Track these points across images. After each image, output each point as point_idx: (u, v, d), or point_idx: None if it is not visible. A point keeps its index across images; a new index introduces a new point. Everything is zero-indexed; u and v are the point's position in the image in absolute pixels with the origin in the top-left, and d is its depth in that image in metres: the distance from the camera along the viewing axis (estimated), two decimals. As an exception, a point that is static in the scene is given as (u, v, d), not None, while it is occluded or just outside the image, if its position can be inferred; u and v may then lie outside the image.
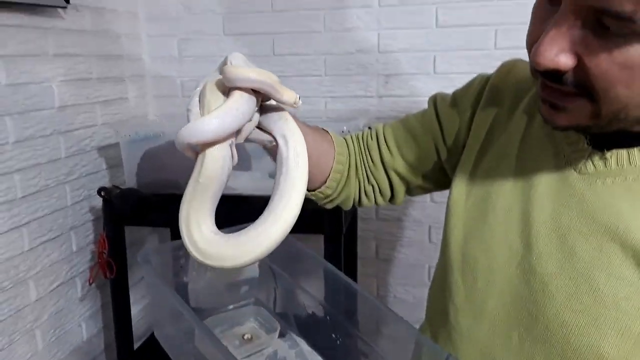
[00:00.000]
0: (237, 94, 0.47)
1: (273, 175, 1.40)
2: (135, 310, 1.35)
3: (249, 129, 0.51)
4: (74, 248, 1.29)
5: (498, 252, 0.58)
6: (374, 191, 0.73)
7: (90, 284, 1.32)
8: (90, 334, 1.38)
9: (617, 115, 0.46)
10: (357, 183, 0.73)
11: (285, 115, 0.54)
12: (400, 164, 0.71)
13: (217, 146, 0.47)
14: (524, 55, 0.54)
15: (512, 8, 1.36)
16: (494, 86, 0.66)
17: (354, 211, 1.46)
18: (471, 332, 0.61)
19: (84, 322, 1.35)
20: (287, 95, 0.50)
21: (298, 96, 0.50)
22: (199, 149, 0.48)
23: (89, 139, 1.33)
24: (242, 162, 1.34)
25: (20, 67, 1.11)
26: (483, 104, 0.66)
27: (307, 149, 0.53)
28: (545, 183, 0.56)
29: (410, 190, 0.74)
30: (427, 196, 1.53)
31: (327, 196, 0.70)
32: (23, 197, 1.13)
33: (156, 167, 1.21)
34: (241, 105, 0.47)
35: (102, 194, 1.18)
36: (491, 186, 0.61)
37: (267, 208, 0.49)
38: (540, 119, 0.55)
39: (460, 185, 0.65)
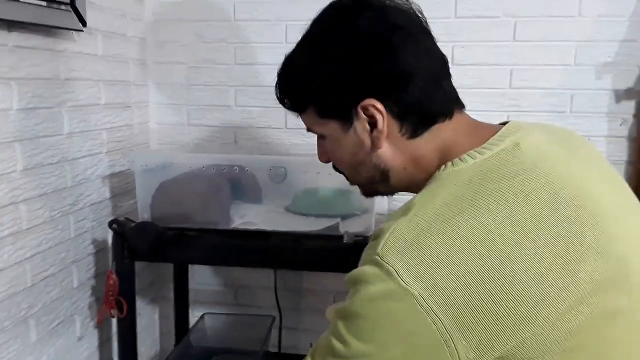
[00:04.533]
0: None
1: (289, 208, 1.36)
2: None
3: None
4: (75, 283, 1.21)
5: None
6: None
7: (98, 325, 1.22)
8: (87, 376, 1.28)
9: (357, 181, 0.77)
10: None
11: None
12: None
13: None
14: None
15: (527, 49, 1.39)
16: None
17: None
18: None
19: (80, 364, 1.25)
20: None
21: None
22: None
23: (94, 167, 1.26)
24: (254, 195, 1.29)
25: (32, 90, 1.04)
26: None
27: None
28: None
29: None
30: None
31: None
32: (28, 229, 1.04)
33: (172, 200, 1.14)
34: None
35: (114, 226, 1.10)
36: None
37: None
38: None
39: None
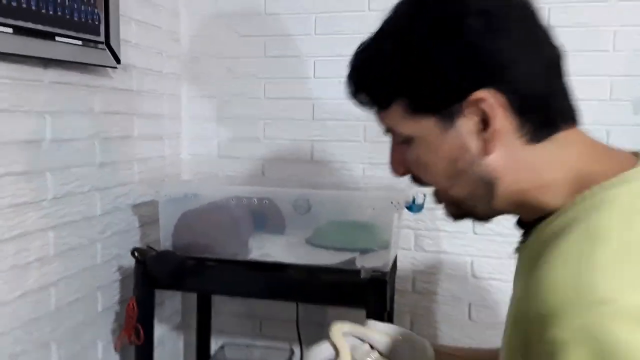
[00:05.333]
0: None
1: (309, 240, 1.36)
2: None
3: None
4: (99, 309, 1.24)
5: None
6: None
7: (116, 350, 1.25)
8: (107, 401, 1.30)
9: (452, 199, 0.60)
10: None
11: None
12: None
13: None
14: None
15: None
16: None
17: (393, 284, 1.40)
18: None
19: (102, 389, 1.27)
20: None
21: None
22: None
23: (124, 196, 1.31)
24: (277, 226, 1.30)
25: (66, 123, 1.11)
26: None
27: None
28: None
29: None
30: (468, 269, 1.46)
31: None
32: (55, 255, 1.09)
33: (193, 230, 1.17)
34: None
35: (136, 254, 1.14)
36: None
37: None
38: None
39: None
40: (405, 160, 0.60)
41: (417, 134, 0.57)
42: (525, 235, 0.60)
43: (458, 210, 0.61)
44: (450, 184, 0.58)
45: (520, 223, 0.61)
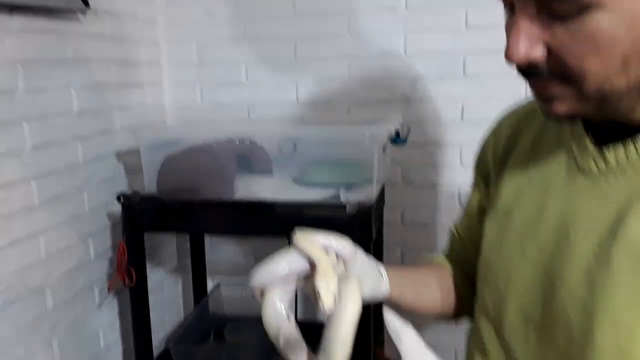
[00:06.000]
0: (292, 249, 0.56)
1: (296, 180, 1.37)
2: (153, 315, 1.32)
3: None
4: (92, 255, 1.27)
5: (515, 260, 0.61)
6: None
7: (108, 293, 1.29)
8: (109, 342, 1.35)
9: (604, 92, 0.47)
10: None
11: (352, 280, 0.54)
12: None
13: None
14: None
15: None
16: (507, 126, 0.70)
17: (381, 217, 1.41)
18: (498, 336, 0.64)
19: (101, 331, 1.32)
20: (320, 284, 0.52)
21: (326, 300, 0.51)
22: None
23: (107, 144, 1.31)
24: (264, 167, 1.30)
25: (38, 71, 1.09)
26: (498, 145, 0.71)
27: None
28: (557, 188, 0.59)
29: None
30: (456, 201, 1.47)
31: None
32: (41, 203, 1.10)
33: (176, 174, 1.18)
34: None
35: (122, 200, 1.15)
36: (512, 199, 0.64)
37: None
38: (552, 128, 0.62)
39: (489, 209, 0.69)
40: (548, 38, 0.47)
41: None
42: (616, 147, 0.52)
43: (589, 107, 0.49)
44: (620, 71, 0.46)
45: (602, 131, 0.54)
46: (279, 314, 0.54)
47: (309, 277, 0.55)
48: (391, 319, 0.58)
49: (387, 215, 1.48)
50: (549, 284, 0.56)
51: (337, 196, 1.19)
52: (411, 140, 1.34)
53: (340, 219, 1.13)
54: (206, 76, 1.56)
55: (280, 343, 0.54)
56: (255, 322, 1.39)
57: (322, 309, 0.50)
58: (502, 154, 0.69)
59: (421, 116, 1.45)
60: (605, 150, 0.54)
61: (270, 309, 0.54)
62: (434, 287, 0.74)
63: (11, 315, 1.04)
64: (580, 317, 0.53)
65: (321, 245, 0.55)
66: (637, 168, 0.51)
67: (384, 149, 1.25)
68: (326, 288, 0.51)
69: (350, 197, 1.18)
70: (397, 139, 1.24)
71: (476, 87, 1.38)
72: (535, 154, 0.63)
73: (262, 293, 0.56)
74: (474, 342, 0.67)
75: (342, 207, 1.15)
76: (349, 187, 1.22)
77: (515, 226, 0.62)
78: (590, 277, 0.52)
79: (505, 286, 0.62)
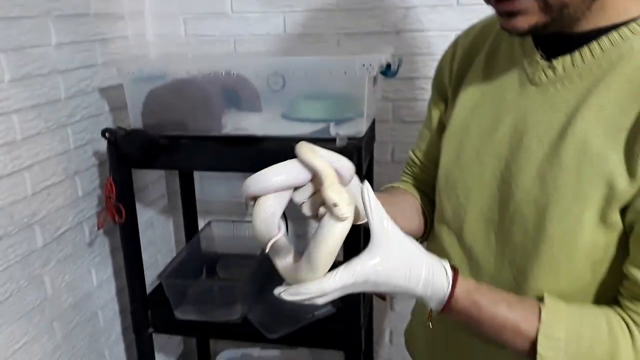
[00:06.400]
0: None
1: (285, 115, 1.34)
2: (145, 254, 1.32)
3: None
4: (80, 193, 1.25)
5: (473, 169, 0.67)
6: None
7: (98, 229, 1.28)
8: (101, 279, 1.36)
9: (563, 1, 0.53)
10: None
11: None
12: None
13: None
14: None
15: None
16: (463, 44, 0.75)
17: (371, 153, 1.40)
18: (459, 241, 0.69)
19: (93, 268, 1.32)
20: (333, 194, 0.50)
21: (345, 208, 0.50)
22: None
23: (89, 79, 1.26)
24: (252, 104, 1.27)
25: (12, 0, 1.03)
26: (454, 63, 0.75)
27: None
28: (510, 99, 0.64)
29: None
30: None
31: None
32: (23, 139, 1.07)
33: (162, 107, 1.14)
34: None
35: (107, 135, 1.12)
36: (469, 113, 0.70)
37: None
38: (504, 46, 0.68)
39: (448, 125, 0.74)
40: None
41: None
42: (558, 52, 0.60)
43: (548, 18, 0.56)
44: None
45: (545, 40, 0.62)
46: (269, 219, 0.53)
47: (311, 195, 0.54)
48: (370, 189, 0.55)
49: (378, 153, 1.47)
50: (505, 188, 0.62)
51: (327, 130, 1.17)
52: (402, 76, 1.31)
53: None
54: (189, 7, 1.49)
55: (268, 247, 0.53)
56: (247, 258, 1.42)
57: (338, 216, 0.49)
58: (457, 71, 0.74)
59: (413, 49, 1.41)
60: (553, 61, 0.60)
61: (261, 213, 0.53)
62: (407, 213, 0.80)
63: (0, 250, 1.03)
64: (534, 213, 0.59)
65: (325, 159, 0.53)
66: (582, 74, 0.58)
67: (375, 81, 1.22)
68: (340, 196, 0.50)
69: (340, 132, 1.16)
70: (387, 70, 1.21)
71: (470, 17, 1.33)
72: (489, 71, 0.68)
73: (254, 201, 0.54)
74: (434, 250, 0.71)
75: (332, 140, 1.13)
76: (338, 122, 1.20)
77: (472, 138, 0.68)
78: (543, 177, 0.58)
79: (465, 194, 0.67)
